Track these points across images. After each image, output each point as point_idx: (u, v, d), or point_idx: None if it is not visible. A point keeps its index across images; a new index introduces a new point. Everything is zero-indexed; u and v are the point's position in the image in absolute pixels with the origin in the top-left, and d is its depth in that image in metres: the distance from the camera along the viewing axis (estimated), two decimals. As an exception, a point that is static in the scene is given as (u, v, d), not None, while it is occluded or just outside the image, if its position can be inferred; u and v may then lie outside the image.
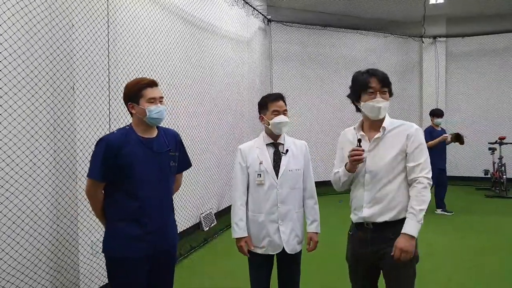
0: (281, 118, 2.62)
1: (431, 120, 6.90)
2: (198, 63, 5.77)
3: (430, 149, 6.09)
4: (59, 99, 3.35)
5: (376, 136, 2.26)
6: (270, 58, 8.20)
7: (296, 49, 8.79)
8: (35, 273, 3.13)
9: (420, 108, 10.13)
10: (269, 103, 2.65)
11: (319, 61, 9.08)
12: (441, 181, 6.72)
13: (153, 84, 2.32)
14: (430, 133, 6.63)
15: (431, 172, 2.21)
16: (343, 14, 8.70)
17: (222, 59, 6.52)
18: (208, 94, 6.01)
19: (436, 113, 6.92)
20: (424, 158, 2.21)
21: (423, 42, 10.04)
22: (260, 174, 2.61)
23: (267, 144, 2.68)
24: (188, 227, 5.54)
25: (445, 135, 6.67)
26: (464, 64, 10.08)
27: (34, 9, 3.08)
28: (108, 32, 3.70)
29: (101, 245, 2.43)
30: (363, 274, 2.35)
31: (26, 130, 3.07)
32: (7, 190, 2.91)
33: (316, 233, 2.74)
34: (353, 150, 2.20)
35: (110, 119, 3.73)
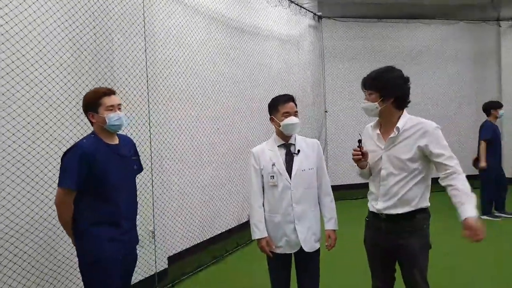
0: (291, 119, 2.65)
1: (492, 114, 6.15)
2: (242, 65, 5.94)
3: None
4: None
5: (391, 136, 2.35)
6: (321, 55, 8.09)
7: (349, 44, 8.51)
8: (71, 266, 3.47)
9: (499, 99, 9.18)
10: (279, 105, 2.69)
11: (375, 55, 8.67)
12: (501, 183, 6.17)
13: (110, 92, 2.40)
14: (494, 131, 6.06)
15: (455, 162, 2.28)
16: (401, 3, 8.23)
17: (269, 59, 6.63)
18: (256, 96, 6.14)
19: (495, 105, 6.21)
20: (448, 151, 2.29)
21: (500, 26, 9.08)
22: (273, 176, 2.66)
23: (278, 146, 2.72)
24: (235, 225, 5.75)
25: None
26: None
27: (80, 30, 3.49)
28: (145, 43, 4.02)
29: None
30: (379, 257, 2.49)
31: (73, 133, 3.44)
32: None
33: (334, 230, 2.76)
34: (353, 150, 2.40)
35: (150, 126, 4.05)
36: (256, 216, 2.69)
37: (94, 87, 3.59)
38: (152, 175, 4.04)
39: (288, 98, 2.72)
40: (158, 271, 4.08)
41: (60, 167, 2.31)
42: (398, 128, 2.33)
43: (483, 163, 5.94)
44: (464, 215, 2.12)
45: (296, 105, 2.73)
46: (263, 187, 2.72)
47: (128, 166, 2.49)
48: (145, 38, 4.01)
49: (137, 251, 3.81)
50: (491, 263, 4.44)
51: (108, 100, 2.35)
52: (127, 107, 3.80)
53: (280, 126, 2.66)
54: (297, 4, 6.91)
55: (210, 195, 5.25)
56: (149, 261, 3.99)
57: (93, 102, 2.36)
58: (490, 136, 5.97)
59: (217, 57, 5.42)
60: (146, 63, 4.02)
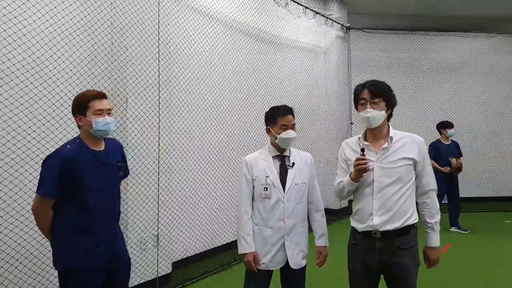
0: (289, 133, 2.58)
1: (441, 133, 6.39)
2: (264, 75, 5.95)
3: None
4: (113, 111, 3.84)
5: (383, 146, 2.31)
6: (349, 67, 7.95)
7: (378, 56, 8.32)
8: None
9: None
10: (278, 117, 2.61)
11: (406, 68, 8.44)
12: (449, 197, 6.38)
13: (101, 96, 2.31)
14: (435, 149, 6.20)
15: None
16: (434, 15, 7.94)
17: (294, 69, 6.60)
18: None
19: (447, 125, 6.39)
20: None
21: (546, 39, 8.55)
22: (266, 188, 2.57)
23: (273, 157, 2.64)
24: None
25: (447, 168, 6.19)
26: None
27: (96, 36, 3.64)
28: (159, 50, 4.11)
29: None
30: (368, 279, 2.36)
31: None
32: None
33: (325, 246, 2.68)
34: (357, 159, 2.26)
35: (159, 131, 4.12)
36: (246, 228, 2.57)
37: (107, 92, 3.77)
38: (158, 180, 4.10)
39: (287, 110, 2.64)
40: (160, 275, 4.12)
41: (40, 173, 2.24)
42: (391, 138, 2.31)
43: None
44: (430, 244, 2.37)
45: (294, 117, 2.66)
46: (252, 198, 2.64)
47: (111, 173, 2.40)
48: (158, 45, 4.11)
49: (140, 254, 3.92)
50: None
51: (98, 104, 2.28)
52: (137, 112, 3.91)
53: (276, 138, 2.59)
54: (322, 15, 6.84)
55: (220, 204, 5.25)
56: (150, 265, 4.03)
57: (81, 105, 2.28)
58: (433, 155, 6.10)
59: (237, 66, 5.47)
60: (158, 69, 4.11)
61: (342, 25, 7.51)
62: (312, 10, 6.46)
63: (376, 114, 2.27)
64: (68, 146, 2.28)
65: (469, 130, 8.25)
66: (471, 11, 7.90)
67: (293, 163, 2.63)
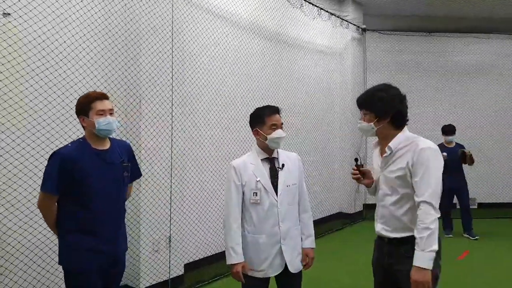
0: (279, 133, 2.50)
1: (443, 138, 6.17)
2: (277, 77, 5.90)
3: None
4: (125, 113, 3.86)
5: (384, 155, 2.27)
6: (364, 69, 7.82)
7: (394, 58, 8.15)
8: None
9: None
10: (266, 117, 2.51)
11: (423, 70, 8.24)
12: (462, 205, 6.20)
13: (102, 97, 2.37)
14: None
15: (435, 195, 2.06)
16: (451, 16, 7.78)
17: (309, 71, 6.54)
18: (292, 109, 6.05)
19: (444, 130, 6.16)
20: (425, 180, 2.07)
21: None
22: (256, 193, 2.47)
23: (261, 160, 2.54)
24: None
25: (444, 153, 5.67)
26: None
27: (110, 38, 3.66)
28: (172, 52, 4.11)
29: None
30: (382, 280, 2.38)
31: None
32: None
33: (312, 248, 2.64)
34: (352, 169, 2.37)
35: (172, 132, 4.12)
36: (235, 238, 2.45)
37: (121, 93, 3.80)
38: (171, 181, 4.09)
39: (275, 109, 2.56)
40: (172, 277, 4.10)
41: (44, 170, 2.31)
42: (390, 148, 2.21)
43: None
44: (413, 262, 2.04)
45: (280, 116, 2.58)
46: (243, 205, 2.51)
47: (115, 172, 2.41)
48: (172, 47, 4.11)
49: (152, 255, 3.91)
50: None
51: (100, 105, 2.33)
52: (150, 114, 3.92)
53: (266, 139, 2.50)
54: (338, 17, 6.76)
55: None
56: (163, 266, 4.02)
57: (84, 106, 2.34)
58: None
59: (251, 69, 5.43)
60: (172, 70, 4.10)
61: (358, 27, 7.40)
62: (327, 11, 6.38)
63: (364, 126, 2.26)
64: (69, 145, 2.35)
65: (490, 134, 8.06)
66: (491, 12, 7.71)
67: (283, 165, 2.55)
